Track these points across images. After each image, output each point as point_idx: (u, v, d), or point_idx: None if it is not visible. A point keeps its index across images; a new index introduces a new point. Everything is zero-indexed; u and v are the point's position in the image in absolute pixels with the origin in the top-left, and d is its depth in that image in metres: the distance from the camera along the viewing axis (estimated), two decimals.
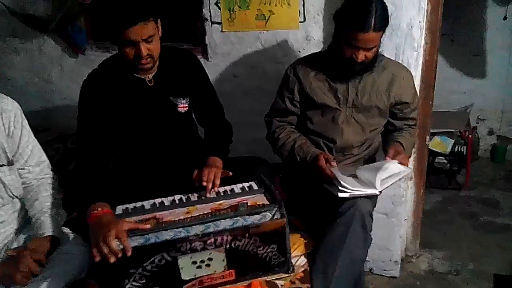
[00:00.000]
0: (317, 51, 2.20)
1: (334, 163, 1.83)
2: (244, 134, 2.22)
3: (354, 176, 1.84)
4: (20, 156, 1.65)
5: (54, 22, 2.70)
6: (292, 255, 1.71)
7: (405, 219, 2.48)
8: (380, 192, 1.75)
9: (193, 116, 2.02)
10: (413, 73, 2.08)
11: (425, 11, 2.15)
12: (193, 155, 1.90)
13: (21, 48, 2.93)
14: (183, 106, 1.89)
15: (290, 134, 2.01)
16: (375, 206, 1.92)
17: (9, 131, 1.60)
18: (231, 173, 1.78)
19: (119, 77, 1.79)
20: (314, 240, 1.85)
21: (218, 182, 1.72)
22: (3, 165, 1.59)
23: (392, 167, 1.80)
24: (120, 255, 1.42)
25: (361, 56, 1.79)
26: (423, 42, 2.21)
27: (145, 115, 1.83)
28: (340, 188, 1.72)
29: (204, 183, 1.70)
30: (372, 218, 1.82)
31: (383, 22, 1.76)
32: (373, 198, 1.85)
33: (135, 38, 1.62)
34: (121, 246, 1.43)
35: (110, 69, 1.82)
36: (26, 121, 1.69)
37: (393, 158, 1.84)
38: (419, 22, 2.13)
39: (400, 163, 1.83)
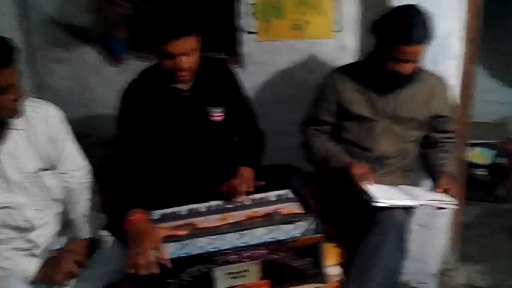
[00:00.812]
0: (353, 61, 2.19)
1: (371, 179, 1.81)
2: (278, 142, 2.22)
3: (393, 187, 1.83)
4: (63, 161, 1.71)
5: (96, 32, 2.78)
6: (327, 265, 1.69)
7: (443, 232, 2.42)
8: (420, 205, 1.72)
9: (229, 125, 2.03)
10: (451, 83, 2.05)
11: (464, 20, 2.12)
12: (228, 164, 1.91)
13: (64, 58, 3.03)
14: (218, 115, 1.91)
15: (324, 142, 2.00)
16: (412, 217, 1.88)
17: (53, 137, 1.66)
18: (263, 183, 1.78)
19: (157, 87, 1.82)
20: (348, 249, 1.84)
21: (252, 189, 1.73)
22: (46, 169, 1.64)
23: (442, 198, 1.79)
24: (157, 269, 1.44)
25: (405, 69, 1.78)
26: (461, 52, 2.18)
27: (182, 124, 1.86)
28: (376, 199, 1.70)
29: (236, 196, 1.72)
30: (408, 229, 1.79)
31: (428, 34, 1.74)
32: (410, 209, 1.83)
33: (175, 51, 1.64)
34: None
35: (149, 78, 1.86)
36: (68, 127, 1.75)
37: (444, 191, 1.82)
38: (458, 31, 2.10)
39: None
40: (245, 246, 1.50)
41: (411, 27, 1.70)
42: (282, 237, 1.52)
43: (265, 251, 1.51)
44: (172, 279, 1.49)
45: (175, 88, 1.82)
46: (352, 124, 1.99)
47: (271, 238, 1.52)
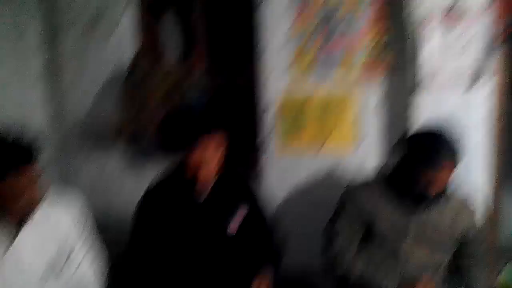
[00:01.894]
0: (373, 178, 2.18)
1: None
2: (295, 258, 2.16)
3: None
4: (76, 257, 1.68)
5: (127, 132, 2.88)
6: None
7: None
8: None
9: (243, 239, 1.96)
10: (479, 199, 2.03)
11: (492, 135, 2.16)
12: (241, 277, 1.85)
13: (91, 157, 3.10)
14: (233, 228, 1.88)
15: (355, 259, 1.91)
16: None
17: (69, 233, 1.66)
18: None
19: (175, 193, 1.84)
20: None
21: None
22: (53, 270, 1.60)
23: None
24: None
25: (433, 190, 1.75)
26: (486, 175, 2.19)
27: (196, 233, 1.83)
28: None
29: None
30: None
31: (457, 157, 1.74)
32: None
33: (202, 147, 1.70)
34: None
35: (168, 184, 1.88)
36: (87, 224, 1.74)
37: None
38: (481, 154, 2.13)
39: None
40: None
41: (439, 150, 1.71)
42: None
43: None
44: None
45: (193, 195, 1.83)
46: (375, 243, 1.90)
47: None
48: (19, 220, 1.52)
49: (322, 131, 2.61)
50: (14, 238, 1.51)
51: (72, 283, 1.66)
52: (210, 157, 1.73)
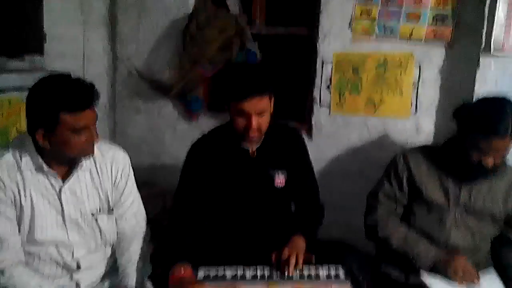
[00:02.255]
0: (427, 143, 2.10)
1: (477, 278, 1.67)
2: (338, 217, 2.14)
3: None
4: (121, 205, 1.73)
5: (176, 89, 2.92)
6: None
7: None
8: None
9: (289, 192, 1.99)
10: None
11: None
12: (283, 230, 1.86)
13: (143, 109, 3.19)
14: (280, 180, 1.89)
15: (398, 224, 1.88)
16: None
17: (115, 180, 1.71)
18: (313, 258, 1.70)
19: (225, 145, 1.86)
20: None
21: (300, 262, 1.66)
22: (104, 211, 1.67)
23: None
24: None
25: (490, 161, 1.67)
26: None
27: (243, 184, 1.86)
28: None
29: (284, 266, 1.65)
30: None
31: None
32: None
33: (248, 110, 1.68)
34: None
35: (218, 136, 1.90)
36: (132, 173, 1.78)
37: None
38: None
39: None
40: None
41: (501, 119, 1.62)
42: None
43: None
44: None
45: (242, 148, 1.85)
46: (422, 210, 1.87)
47: None
48: (76, 158, 1.57)
49: (378, 91, 2.54)
50: (72, 174, 1.59)
51: (121, 222, 1.74)
52: (259, 112, 1.70)
